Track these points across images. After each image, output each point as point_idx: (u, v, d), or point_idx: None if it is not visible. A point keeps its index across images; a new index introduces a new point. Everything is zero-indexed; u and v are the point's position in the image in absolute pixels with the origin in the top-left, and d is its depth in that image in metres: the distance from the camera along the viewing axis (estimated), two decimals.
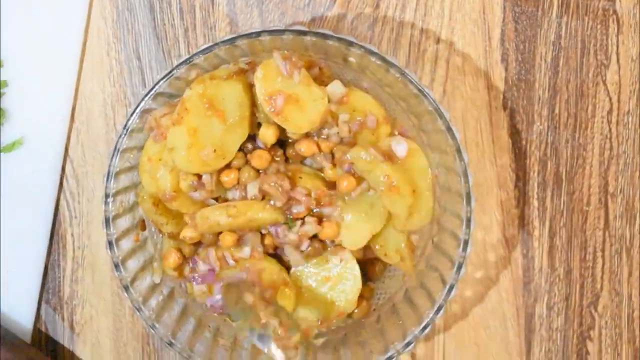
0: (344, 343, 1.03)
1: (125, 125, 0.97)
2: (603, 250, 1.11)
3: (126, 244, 1.01)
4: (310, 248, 0.99)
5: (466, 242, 0.95)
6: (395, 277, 1.06)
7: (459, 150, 0.94)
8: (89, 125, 1.13)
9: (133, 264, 1.01)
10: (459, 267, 0.95)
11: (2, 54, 1.10)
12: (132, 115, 0.97)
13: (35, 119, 1.11)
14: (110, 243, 0.99)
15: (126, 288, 0.99)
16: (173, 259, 1.01)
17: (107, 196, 0.98)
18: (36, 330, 1.14)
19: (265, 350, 0.90)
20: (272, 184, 0.96)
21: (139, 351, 1.14)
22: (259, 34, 0.95)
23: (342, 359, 1.00)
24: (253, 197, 0.97)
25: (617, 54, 1.10)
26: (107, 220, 0.99)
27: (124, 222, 1.01)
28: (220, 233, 0.99)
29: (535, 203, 1.11)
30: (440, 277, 0.98)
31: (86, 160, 1.13)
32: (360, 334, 1.03)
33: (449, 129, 0.94)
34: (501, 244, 1.11)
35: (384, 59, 0.94)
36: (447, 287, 0.96)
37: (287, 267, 1.01)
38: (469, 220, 0.95)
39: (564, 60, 1.10)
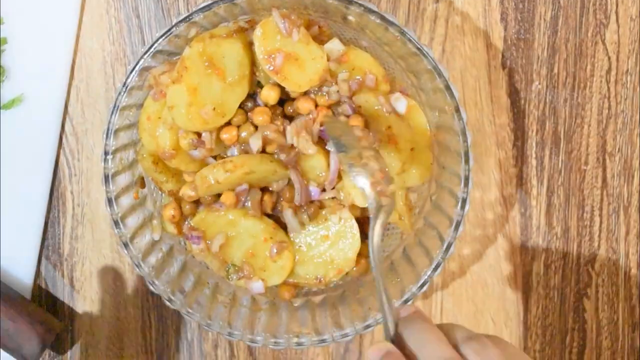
0: (342, 301, 1.03)
1: (125, 83, 0.97)
2: (601, 209, 1.11)
3: (125, 201, 1.01)
4: (309, 213, 1.00)
5: (464, 201, 0.95)
6: (393, 235, 1.06)
7: (457, 109, 0.94)
8: (89, 83, 1.12)
9: (132, 221, 1.01)
10: (457, 225, 0.96)
11: (2, 11, 1.10)
12: (131, 72, 0.97)
13: (35, 76, 1.11)
14: (109, 200, 0.99)
15: (126, 245, 1.00)
16: (171, 212, 1.01)
17: (106, 153, 0.98)
18: (36, 286, 1.14)
19: (359, 188, 0.89)
20: (274, 128, 0.96)
21: (138, 307, 1.14)
22: None
23: (341, 317, 1.01)
24: (257, 152, 0.97)
25: (617, 13, 1.09)
26: (106, 178, 0.99)
27: (123, 180, 1.01)
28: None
29: (534, 162, 1.11)
30: (438, 235, 0.98)
31: (86, 118, 1.13)
32: (358, 291, 1.04)
33: (448, 88, 0.94)
34: (499, 203, 1.11)
35: (383, 18, 0.94)
36: (445, 245, 0.96)
37: (285, 227, 1.02)
38: (467, 179, 0.95)
39: (563, 19, 1.10)
